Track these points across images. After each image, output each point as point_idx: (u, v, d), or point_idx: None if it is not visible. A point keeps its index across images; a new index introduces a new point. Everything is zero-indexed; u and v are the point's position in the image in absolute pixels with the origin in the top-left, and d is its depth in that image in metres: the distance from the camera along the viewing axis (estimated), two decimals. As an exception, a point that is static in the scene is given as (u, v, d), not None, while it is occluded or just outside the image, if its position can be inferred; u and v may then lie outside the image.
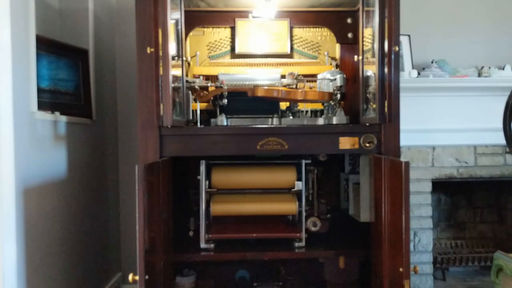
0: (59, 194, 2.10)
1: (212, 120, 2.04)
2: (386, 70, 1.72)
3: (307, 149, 1.91)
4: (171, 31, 1.72)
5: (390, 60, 1.70)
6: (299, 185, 2.07)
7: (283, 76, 2.14)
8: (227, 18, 2.30)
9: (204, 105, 2.16)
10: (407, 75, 2.69)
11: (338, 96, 2.07)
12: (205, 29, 2.35)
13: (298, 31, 2.37)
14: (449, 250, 3.05)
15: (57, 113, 2.07)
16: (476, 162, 2.77)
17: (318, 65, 2.34)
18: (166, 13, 1.66)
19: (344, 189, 2.28)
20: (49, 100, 2.09)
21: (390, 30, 1.70)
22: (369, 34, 1.90)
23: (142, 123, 1.84)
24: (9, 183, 1.66)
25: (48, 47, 2.11)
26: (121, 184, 2.85)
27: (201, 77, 2.17)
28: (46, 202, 1.96)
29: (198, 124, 2.05)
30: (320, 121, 2.07)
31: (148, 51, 1.70)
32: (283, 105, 2.19)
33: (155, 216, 1.65)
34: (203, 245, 2.02)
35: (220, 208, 2.08)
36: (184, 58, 2.04)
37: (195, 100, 2.06)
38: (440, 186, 2.94)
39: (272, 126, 2.02)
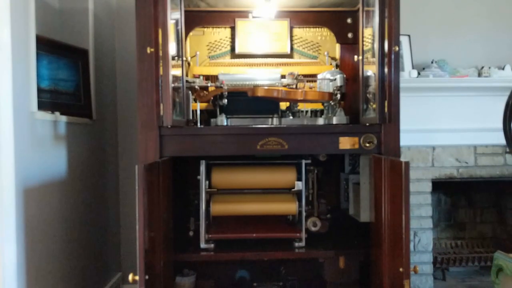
0: (59, 194, 2.10)
1: (212, 120, 2.04)
2: (386, 70, 1.72)
3: (307, 149, 1.91)
4: (171, 31, 1.72)
5: (390, 60, 1.70)
6: (299, 185, 2.07)
7: (283, 76, 2.14)
8: (227, 18, 2.30)
9: (204, 105, 2.16)
10: (407, 75, 2.69)
11: (338, 96, 2.07)
12: (205, 29, 2.34)
13: (298, 31, 2.37)
14: (449, 250, 3.05)
15: (57, 113, 2.07)
16: (476, 162, 2.77)
17: (318, 65, 2.34)
18: (166, 13, 1.66)
19: (344, 189, 2.28)
20: (49, 100, 2.09)
21: (390, 30, 1.70)
22: (369, 34, 1.90)
23: (142, 123, 1.84)
24: (9, 183, 1.66)
25: (48, 47, 2.11)
26: (121, 184, 2.85)
27: (201, 77, 2.17)
28: (46, 202, 1.96)
29: (198, 124, 2.05)
30: (320, 121, 2.07)
31: (148, 51, 1.70)
32: (283, 105, 2.19)
33: (155, 216, 1.65)
34: (203, 245, 2.02)
35: (220, 208, 2.08)
36: (184, 58, 2.04)
37: (195, 100, 2.06)
38: (440, 186, 2.94)
39: (272, 126, 2.02)
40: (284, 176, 2.10)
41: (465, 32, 3.00)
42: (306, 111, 2.24)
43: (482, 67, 2.83)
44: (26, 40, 1.82)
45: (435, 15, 2.99)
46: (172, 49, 1.73)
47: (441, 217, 3.14)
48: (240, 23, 2.31)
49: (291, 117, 2.14)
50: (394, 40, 1.72)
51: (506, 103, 1.93)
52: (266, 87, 2.04)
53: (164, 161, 1.81)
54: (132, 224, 2.64)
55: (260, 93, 1.99)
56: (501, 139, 2.00)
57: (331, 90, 2.09)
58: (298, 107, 2.20)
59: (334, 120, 2.02)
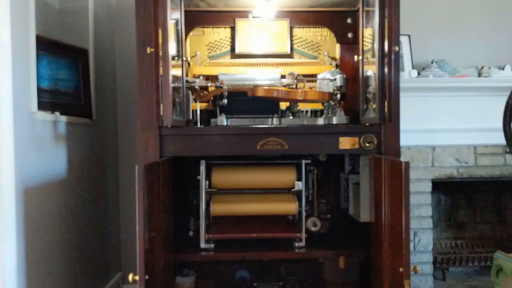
0: (59, 194, 2.10)
1: (212, 120, 2.04)
2: (386, 70, 1.72)
3: (307, 149, 1.91)
4: (171, 31, 1.72)
5: (390, 60, 1.70)
6: (299, 185, 2.07)
7: (283, 76, 2.14)
8: (227, 18, 2.30)
9: (204, 105, 2.16)
10: (407, 75, 2.69)
11: (338, 96, 2.06)
12: (205, 29, 2.34)
13: (298, 31, 2.37)
14: (449, 250, 3.05)
15: (57, 113, 2.07)
16: (476, 162, 2.77)
17: (318, 65, 2.34)
18: (166, 13, 1.66)
19: (344, 189, 2.28)
20: (49, 100, 2.09)
21: (390, 30, 1.70)
22: (369, 34, 1.90)
23: (142, 123, 1.84)
24: (9, 183, 1.67)
25: (48, 47, 2.11)
26: (121, 184, 2.85)
27: (201, 77, 2.17)
28: (46, 202, 1.97)
29: (198, 124, 2.05)
30: (320, 121, 2.07)
31: (148, 51, 1.70)
32: (283, 105, 2.19)
33: (155, 216, 1.65)
34: (203, 245, 2.02)
35: (220, 208, 2.08)
36: (184, 58, 2.04)
37: (195, 100, 2.06)
38: (440, 186, 2.94)
39: (272, 126, 2.02)
40: (284, 176, 2.10)
41: (465, 32, 3.00)
42: (306, 111, 2.24)
43: (482, 67, 2.83)
44: (26, 40, 1.82)
45: (435, 15, 2.99)
46: (172, 49, 1.73)
47: (441, 217, 3.14)
48: (240, 23, 2.31)
49: (291, 117, 2.14)
50: (394, 40, 1.72)
51: (506, 103, 1.93)
52: (266, 87, 2.04)
53: (164, 161, 1.81)
54: (132, 224, 2.64)
55: (260, 93, 1.99)
56: (501, 139, 2.00)
57: (331, 90, 2.09)
58: (298, 107, 2.20)
59: (334, 120, 2.02)
